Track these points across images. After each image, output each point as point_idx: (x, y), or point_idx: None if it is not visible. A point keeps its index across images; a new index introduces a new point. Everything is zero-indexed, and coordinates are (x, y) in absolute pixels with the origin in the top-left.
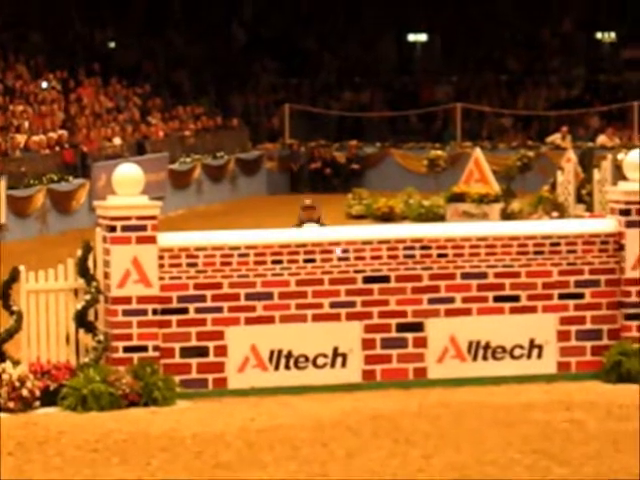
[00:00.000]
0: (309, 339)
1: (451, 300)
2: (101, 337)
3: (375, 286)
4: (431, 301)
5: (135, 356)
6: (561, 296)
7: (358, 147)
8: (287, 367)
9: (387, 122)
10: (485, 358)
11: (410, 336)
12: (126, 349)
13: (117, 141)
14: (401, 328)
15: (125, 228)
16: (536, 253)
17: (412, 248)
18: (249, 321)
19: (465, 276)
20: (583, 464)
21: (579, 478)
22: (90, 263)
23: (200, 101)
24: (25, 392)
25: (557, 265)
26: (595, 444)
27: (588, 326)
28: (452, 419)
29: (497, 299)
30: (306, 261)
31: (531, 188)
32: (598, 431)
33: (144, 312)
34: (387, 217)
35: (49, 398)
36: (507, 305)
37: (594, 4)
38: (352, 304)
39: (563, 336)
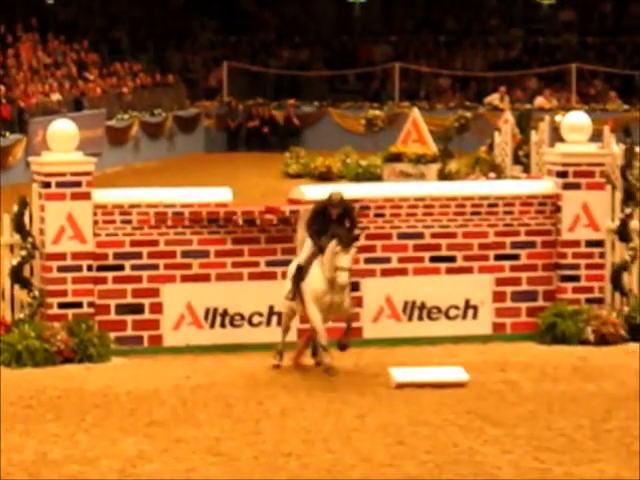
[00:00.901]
0: (245, 298)
1: (387, 260)
2: (36, 293)
3: None
4: (367, 261)
5: (70, 312)
6: (497, 257)
7: (296, 106)
8: (222, 325)
9: (325, 81)
10: (420, 318)
11: None
12: (61, 305)
13: (55, 97)
14: None
15: (59, 184)
16: (473, 214)
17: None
18: (185, 279)
19: (402, 236)
20: (517, 425)
21: (513, 439)
22: (26, 219)
23: (138, 58)
24: None
25: (493, 226)
26: (529, 405)
27: (524, 287)
28: (386, 379)
29: (433, 259)
30: (245, 221)
31: (468, 149)
32: (532, 392)
33: (79, 268)
34: (324, 176)
35: None
36: (443, 265)
37: None
38: (289, 263)
39: (498, 297)
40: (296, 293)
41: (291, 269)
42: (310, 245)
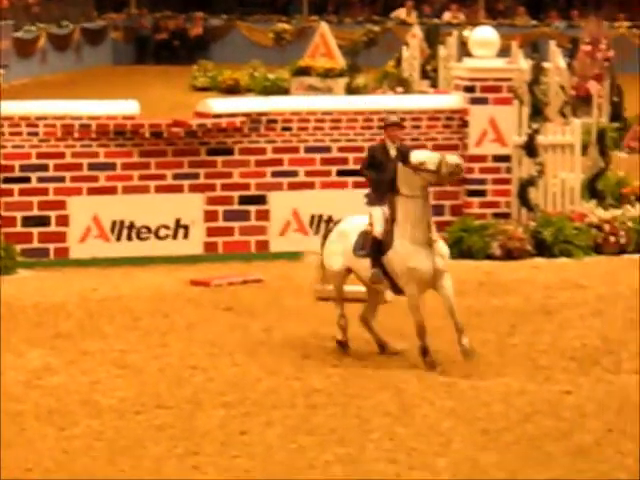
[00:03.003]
0: (151, 210)
1: (294, 174)
2: None
3: (219, 158)
4: (274, 174)
5: None
6: None
7: (204, 19)
8: (129, 238)
9: None
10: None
11: (253, 209)
12: None
13: None
14: (244, 201)
15: None
16: (380, 128)
17: (257, 121)
18: (91, 191)
19: (309, 150)
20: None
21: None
22: None
23: None
24: None
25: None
26: (435, 321)
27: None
28: (293, 292)
29: (340, 173)
30: (152, 134)
31: (376, 63)
32: (438, 307)
33: None
34: (232, 90)
35: None
36: (350, 179)
37: None
38: (195, 176)
39: None
40: (379, 273)
41: (341, 234)
42: (379, 210)
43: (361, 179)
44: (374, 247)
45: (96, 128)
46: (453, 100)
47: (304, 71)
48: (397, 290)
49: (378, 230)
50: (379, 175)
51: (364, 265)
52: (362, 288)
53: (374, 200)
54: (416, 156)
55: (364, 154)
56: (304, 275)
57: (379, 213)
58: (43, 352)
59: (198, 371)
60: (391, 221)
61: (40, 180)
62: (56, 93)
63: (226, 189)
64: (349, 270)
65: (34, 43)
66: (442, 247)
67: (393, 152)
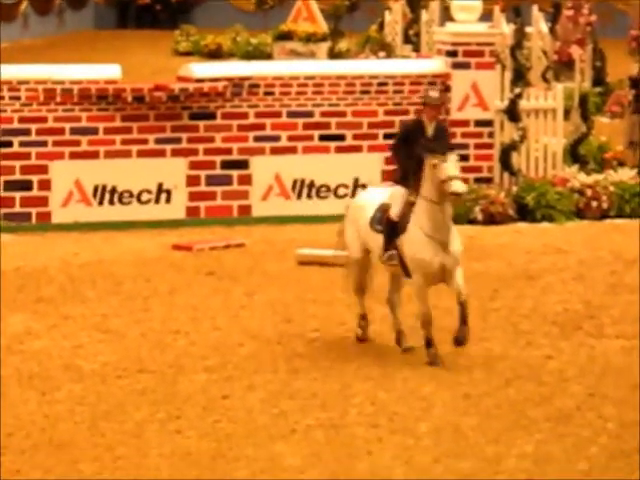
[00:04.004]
0: (134, 175)
1: (277, 138)
2: None
3: (201, 123)
4: (257, 139)
5: None
6: (386, 136)
7: None
8: (111, 202)
9: None
10: (309, 196)
11: (235, 173)
12: None
13: None
14: (226, 165)
15: None
16: (363, 92)
17: (239, 86)
18: (73, 156)
19: (291, 114)
20: (405, 303)
21: (402, 317)
22: None
23: None
24: None
25: (383, 105)
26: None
27: None
28: (275, 257)
29: (323, 138)
30: (134, 99)
31: (359, 28)
32: None
33: None
34: (214, 54)
35: None
36: (332, 144)
37: None
38: (177, 140)
39: (387, 176)
40: (392, 255)
41: (359, 207)
42: (402, 191)
43: (344, 144)
44: (389, 228)
45: (78, 92)
46: (435, 65)
47: (286, 36)
48: (408, 274)
49: (395, 211)
50: (409, 154)
51: (378, 243)
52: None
53: (399, 179)
54: (446, 170)
55: (343, 118)
56: (286, 239)
57: (399, 194)
58: (25, 317)
59: (180, 335)
60: (411, 204)
61: (22, 144)
62: (38, 57)
63: (208, 153)
64: (368, 252)
65: (15, 7)
66: (456, 245)
67: (430, 131)
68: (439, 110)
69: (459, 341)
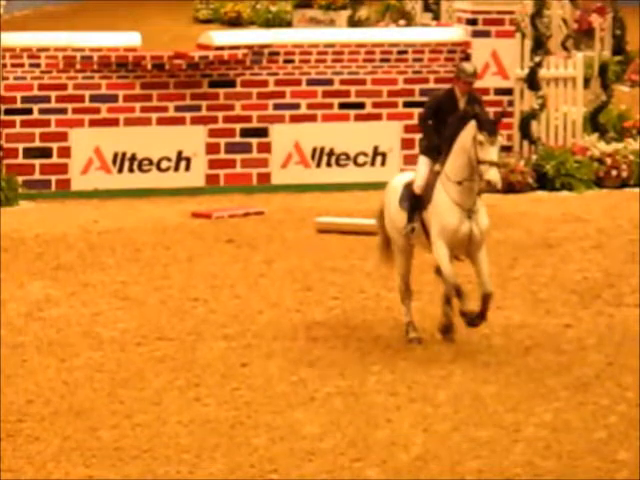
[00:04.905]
0: (153, 142)
1: (296, 106)
2: None
3: (221, 90)
4: (276, 107)
5: None
6: (406, 104)
7: None
8: (131, 170)
9: None
10: (329, 165)
11: (254, 141)
12: None
13: None
14: (245, 133)
15: None
16: (382, 61)
17: (259, 53)
18: (93, 123)
19: (311, 82)
20: (424, 272)
21: (419, 285)
22: None
23: None
24: None
25: (403, 73)
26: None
27: None
28: (294, 225)
29: (342, 106)
30: (154, 66)
31: None
32: None
33: None
34: (234, 22)
35: None
36: (352, 112)
37: None
38: (197, 108)
39: (407, 144)
40: (414, 228)
41: (392, 189)
42: (426, 162)
43: (363, 112)
44: (412, 201)
45: (98, 60)
46: (455, 33)
47: (306, 4)
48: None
49: (418, 184)
50: (439, 128)
51: (404, 220)
52: (370, 221)
53: (426, 151)
54: (490, 154)
55: (363, 86)
56: (305, 207)
57: (424, 167)
58: (44, 284)
59: (199, 303)
60: (436, 174)
61: (42, 112)
62: (58, 25)
63: (228, 121)
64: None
65: None
66: (482, 218)
67: (462, 104)
68: (471, 85)
69: (472, 324)
